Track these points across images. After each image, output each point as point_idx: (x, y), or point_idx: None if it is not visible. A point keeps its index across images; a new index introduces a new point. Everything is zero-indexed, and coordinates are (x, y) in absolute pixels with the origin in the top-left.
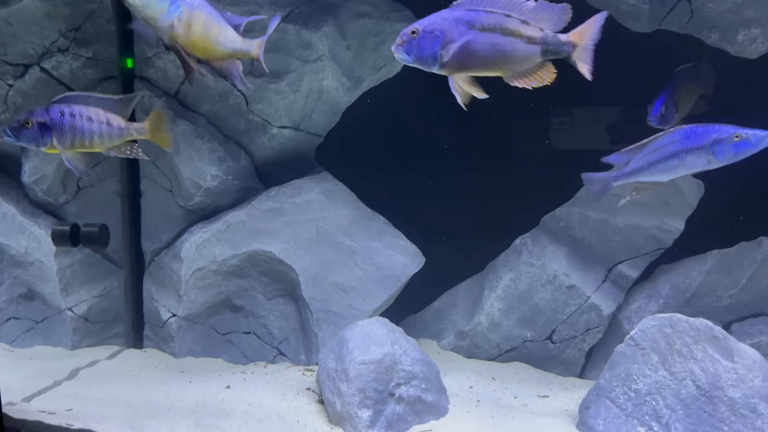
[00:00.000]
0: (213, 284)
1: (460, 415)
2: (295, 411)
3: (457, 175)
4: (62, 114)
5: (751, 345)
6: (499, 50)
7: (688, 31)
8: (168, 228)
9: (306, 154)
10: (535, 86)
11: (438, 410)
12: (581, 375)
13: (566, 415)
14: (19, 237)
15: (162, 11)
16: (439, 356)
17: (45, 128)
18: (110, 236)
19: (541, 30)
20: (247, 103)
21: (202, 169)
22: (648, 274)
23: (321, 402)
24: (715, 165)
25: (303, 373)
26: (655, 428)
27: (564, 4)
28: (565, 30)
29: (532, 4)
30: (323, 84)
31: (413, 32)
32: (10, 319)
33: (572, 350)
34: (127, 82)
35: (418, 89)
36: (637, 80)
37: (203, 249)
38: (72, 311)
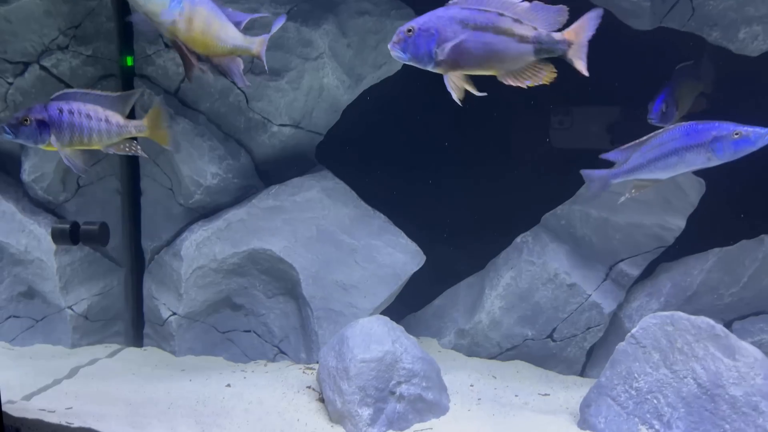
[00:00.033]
0: (213, 282)
1: (461, 414)
2: (296, 409)
3: (458, 173)
4: (61, 111)
5: (753, 343)
6: (491, 49)
7: (690, 29)
8: (168, 226)
9: (306, 152)
10: (529, 85)
11: (439, 408)
12: (582, 373)
13: (567, 413)
14: (18, 235)
15: (164, 6)
16: (439, 354)
17: (43, 125)
18: (110, 234)
19: (535, 29)
20: (247, 101)
21: (202, 168)
22: (649, 272)
23: (321, 400)
24: (715, 162)
25: (303, 372)
26: (657, 426)
27: (560, 6)
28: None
29: (526, 4)
30: (324, 82)
31: (409, 30)
32: (10, 317)
33: (573, 348)
34: (127, 80)
35: (419, 87)
36: (639, 78)
37: (203, 247)
38: (72, 309)
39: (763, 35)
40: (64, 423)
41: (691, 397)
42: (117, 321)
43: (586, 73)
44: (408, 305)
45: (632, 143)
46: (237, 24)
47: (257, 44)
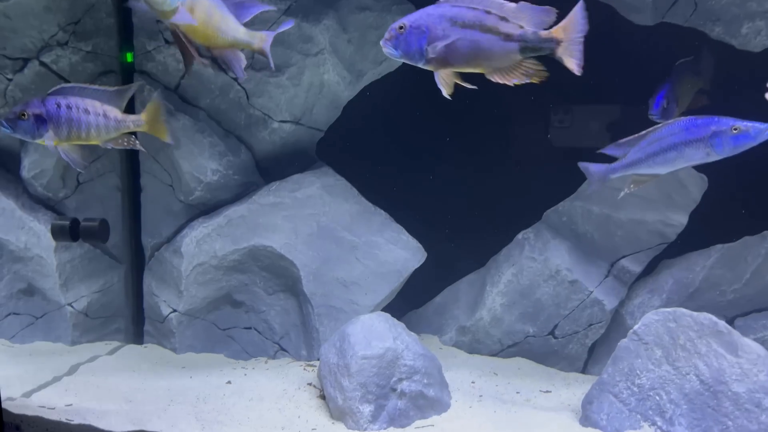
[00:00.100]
0: (213, 279)
1: (463, 410)
2: (297, 406)
3: (459, 170)
4: (58, 106)
5: (755, 340)
6: (478, 47)
7: (692, 24)
8: (168, 223)
9: (307, 149)
10: (516, 83)
11: (440, 405)
12: (584, 370)
13: (569, 410)
14: (18, 232)
15: None
16: (440, 351)
17: (41, 120)
18: (110, 231)
19: (521, 27)
20: (247, 98)
21: (203, 164)
22: (651, 268)
23: (322, 397)
24: (714, 157)
25: (304, 369)
26: (659, 423)
27: (547, 6)
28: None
29: (513, 4)
30: (324, 78)
31: (401, 27)
32: (9, 314)
33: (575, 345)
34: (126, 76)
35: (420, 83)
36: (641, 74)
37: (204, 244)
38: (72, 307)
39: (766, 30)
40: (64, 420)
41: (693, 393)
42: (117, 318)
43: (578, 71)
44: (409, 302)
45: (631, 137)
46: (246, 14)
47: (258, 40)
